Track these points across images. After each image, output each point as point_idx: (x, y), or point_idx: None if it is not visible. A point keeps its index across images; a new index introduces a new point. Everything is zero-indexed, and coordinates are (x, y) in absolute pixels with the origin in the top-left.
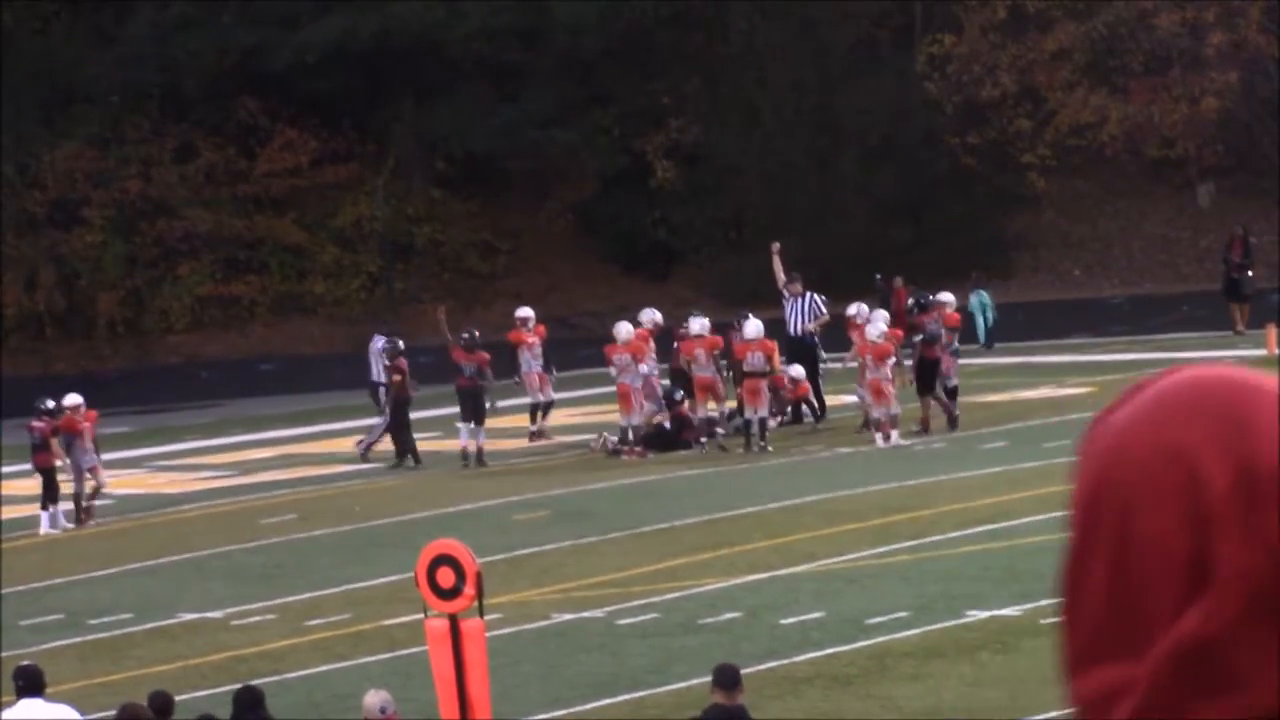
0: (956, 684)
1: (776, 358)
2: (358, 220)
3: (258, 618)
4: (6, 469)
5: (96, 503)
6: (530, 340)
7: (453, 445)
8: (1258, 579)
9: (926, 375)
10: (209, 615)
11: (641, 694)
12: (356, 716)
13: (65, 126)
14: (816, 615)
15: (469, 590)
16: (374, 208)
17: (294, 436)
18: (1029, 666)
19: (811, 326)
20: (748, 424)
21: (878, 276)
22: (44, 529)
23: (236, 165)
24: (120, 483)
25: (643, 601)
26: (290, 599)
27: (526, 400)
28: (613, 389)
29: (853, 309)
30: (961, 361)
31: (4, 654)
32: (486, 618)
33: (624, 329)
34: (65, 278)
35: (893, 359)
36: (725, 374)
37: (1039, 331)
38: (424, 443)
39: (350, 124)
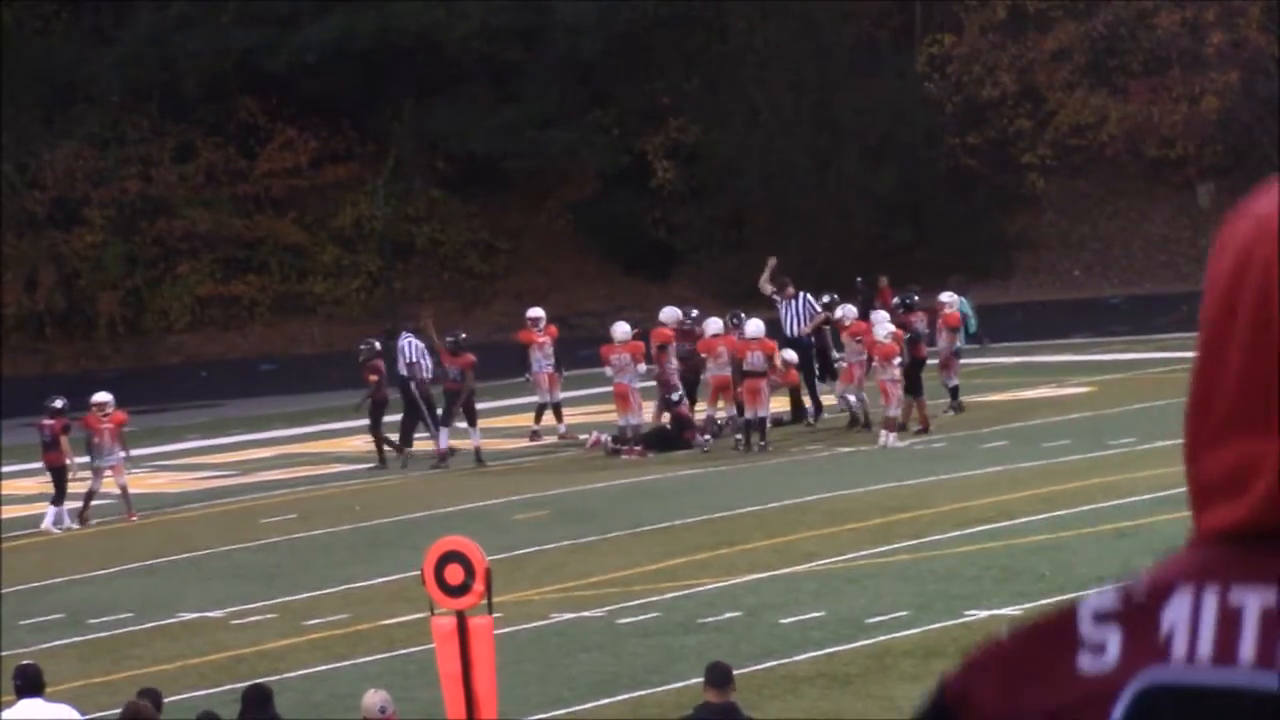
0: None
1: (778, 356)
2: (358, 220)
3: (258, 617)
4: (6, 469)
5: (95, 502)
6: (541, 340)
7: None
8: None
9: (915, 375)
10: (209, 615)
11: (641, 693)
12: (356, 716)
13: (65, 126)
14: (816, 615)
15: (478, 586)
16: (374, 208)
17: (294, 436)
18: None
19: (808, 329)
20: (748, 424)
21: (859, 279)
22: (46, 524)
23: (236, 165)
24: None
25: (643, 601)
26: (290, 599)
27: (532, 399)
28: (611, 389)
29: (839, 312)
30: (962, 361)
31: (4, 654)
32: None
33: (621, 329)
34: (65, 277)
35: (898, 359)
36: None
37: (1039, 331)
38: (423, 442)
39: (350, 124)
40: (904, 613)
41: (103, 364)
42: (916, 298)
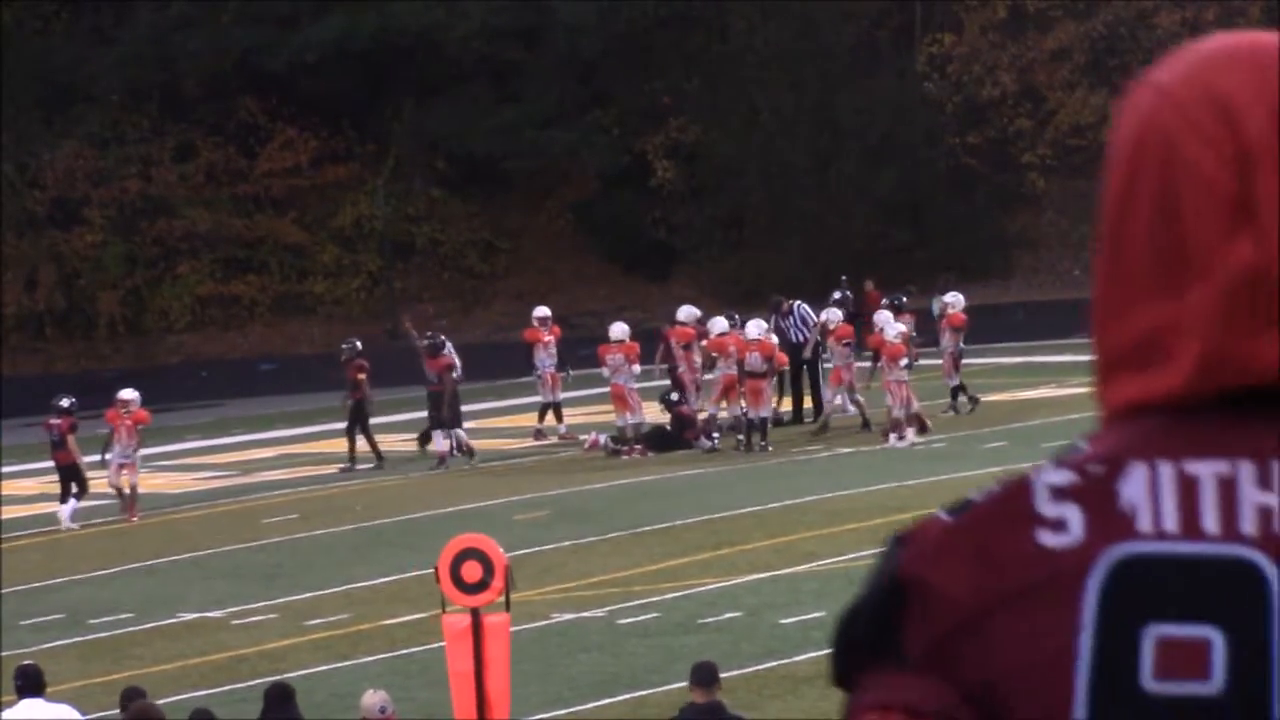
0: None
1: (778, 357)
2: (358, 220)
3: (258, 617)
4: (6, 469)
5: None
6: (547, 339)
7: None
8: None
9: None
10: (209, 615)
11: (641, 693)
12: (356, 716)
13: (65, 126)
14: (817, 615)
15: (497, 584)
16: (374, 207)
17: (294, 436)
18: None
19: (807, 352)
20: (749, 424)
21: (843, 278)
22: (65, 522)
23: (236, 165)
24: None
25: (643, 601)
26: (291, 598)
27: (534, 399)
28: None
29: (824, 315)
30: (963, 361)
31: (4, 654)
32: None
33: (617, 329)
34: (65, 277)
35: (904, 360)
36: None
37: (1039, 331)
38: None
39: (350, 124)
40: None
41: (103, 364)
42: (905, 299)
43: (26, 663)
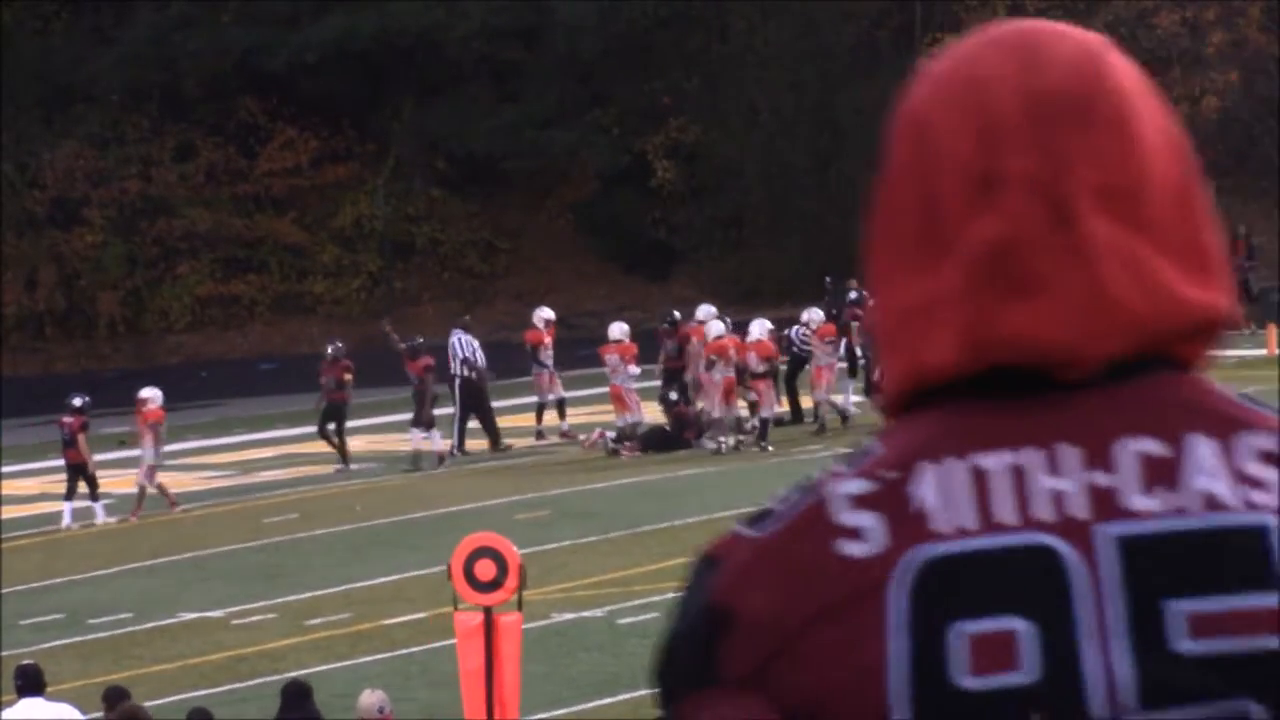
0: None
1: (778, 357)
2: (358, 220)
3: (258, 617)
4: (6, 469)
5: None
6: (547, 341)
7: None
8: (1041, 184)
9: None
10: (209, 614)
11: (641, 693)
12: (355, 717)
13: (65, 126)
14: None
15: (511, 583)
16: (374, 207)
17: (294, 436)
18: None
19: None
20: (764, 422)
21: (827, 279)
22: (99, 519)
23: (236, 165)
24: (122, 482)
25: (643, 601)
26: (290, 598)
27: (532, 399)
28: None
29: (805, 314)
30: None
31: (4, 653)
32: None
33: (617, 329)
34: (65, 277)
35: None
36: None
37: None
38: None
39: (350, 124)
40: None
41: (103, 364)
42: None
43: (26, 662)
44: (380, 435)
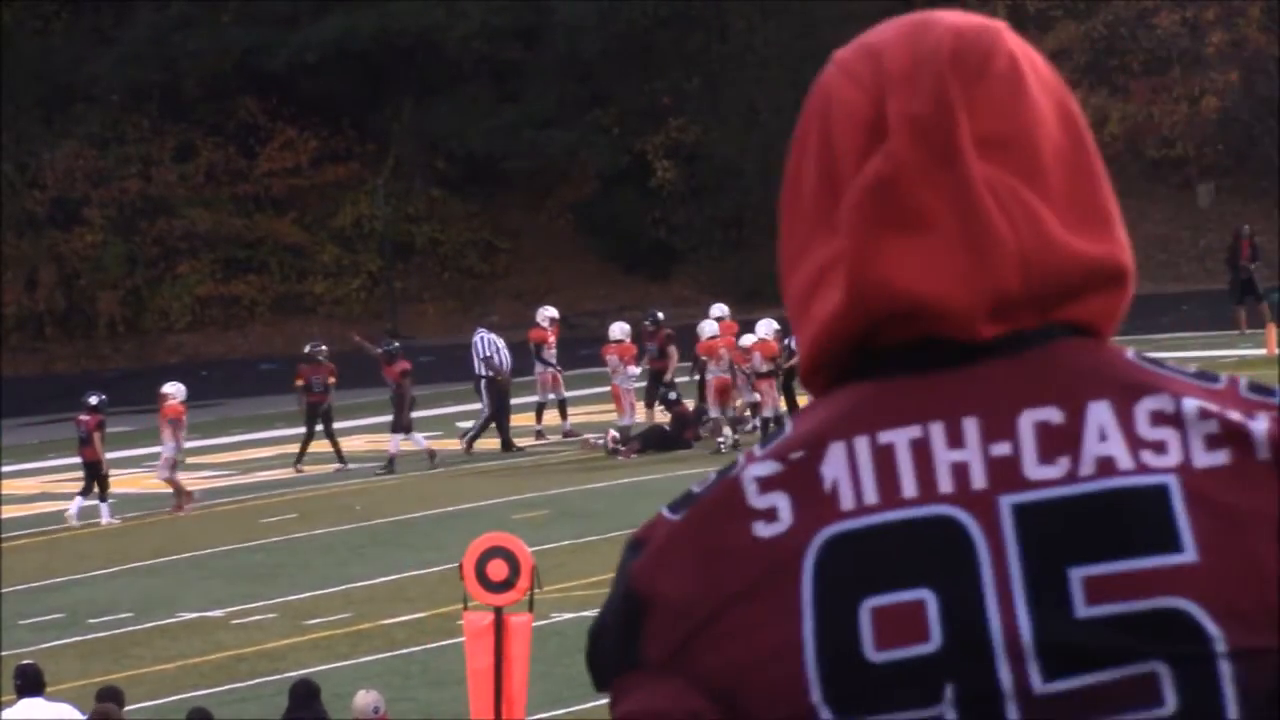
0: None
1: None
2: (358, 220)
3: (258, 617)
4: (6, 469)
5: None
6: (551, 340)
7: (452, 445)
8: (921, 122)
9: None
10: (209, 614)
11: None
12: (350, 717)
13: (65, 126)
14: None
15: (523, 584)
16: (374, 207)
17: (294, 436)
18: None
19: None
20: (766, 421)
21: None
22: (105, 519)
23: (236, 165)
24: (120, 482)
25: None
26: (290, 598)
27: (532, 399)
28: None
29: None
30: None
31: (4, 653)
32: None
33: (618, 329)
34: (65, 277)
35: None
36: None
37: None
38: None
39: (350, 124)
40: None
41: (103, 364)
42: None
43: (26, 662)
44: (380, 435)
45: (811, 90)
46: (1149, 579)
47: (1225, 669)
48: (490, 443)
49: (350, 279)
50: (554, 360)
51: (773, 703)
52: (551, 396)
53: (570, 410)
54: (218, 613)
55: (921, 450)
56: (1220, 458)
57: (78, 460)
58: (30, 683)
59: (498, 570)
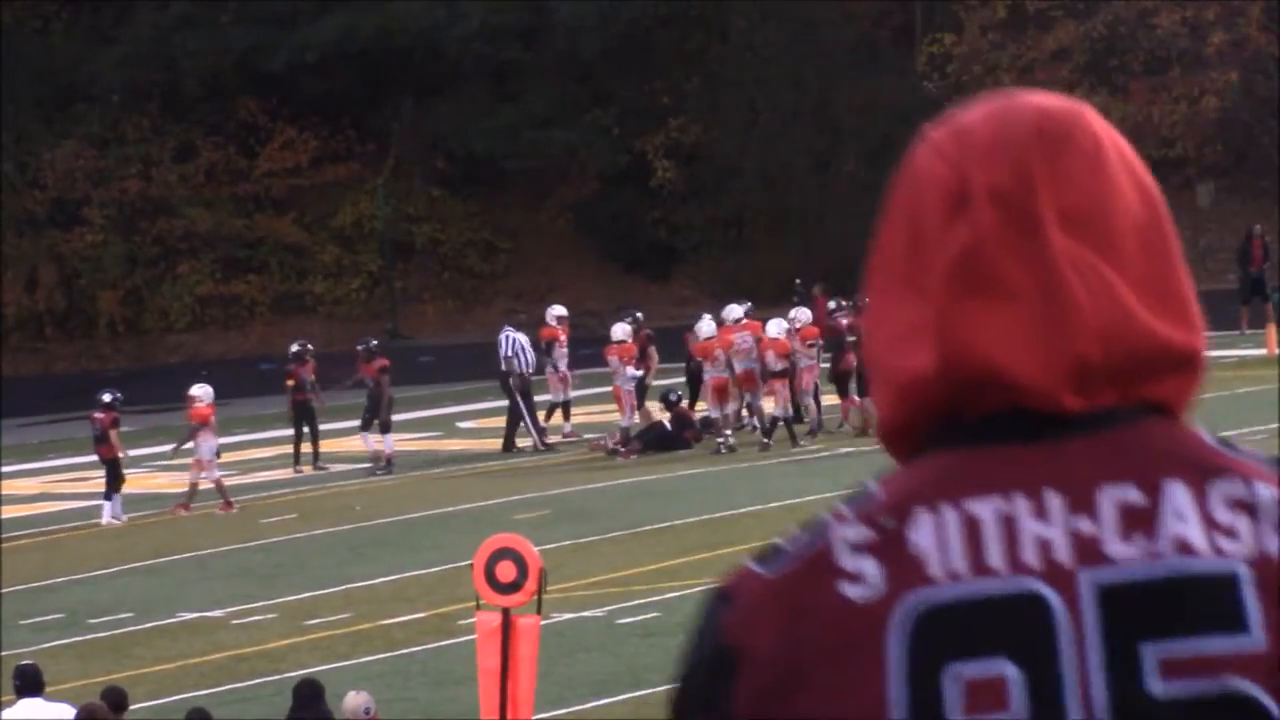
0: None
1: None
2: (358, 220)
3: (258, 617)
4: (6, 469)
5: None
6: (563, 338)
7: (452, 445)
8: (1007, 197)
9: (860, 378)
10: (209, 614)
11: (641, 693)
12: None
13: (65, 126)
14: None
15: (530, 586)
16: (374, 207)
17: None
18: None
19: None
20: (774, 421)
21: (797, 281)
22: (105, 519)
23: (236, 165)
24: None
25: (643, 601)
26: (290, 598)
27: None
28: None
29: (792, 313)
30: None
31: (4, 653)
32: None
33: (619, 330)
34: (65, 277)
35: None
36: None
37: None
38: (423, 442)
39: (350, 123)
40: None
41: (103, 364)
42: (845, 303)
43: (25, 662)
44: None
45: (902, 165)
46: (1219, 661)
47: None
48: (491, 443)
49: (350, 279)
50: (564, 359)
51: None
52: (560, 397)
53: (570, 410)
54: (218, 613)
55: (1007, 522)
56: None
57: (78, 460)
58: (29, 683)
59: (506, 572)
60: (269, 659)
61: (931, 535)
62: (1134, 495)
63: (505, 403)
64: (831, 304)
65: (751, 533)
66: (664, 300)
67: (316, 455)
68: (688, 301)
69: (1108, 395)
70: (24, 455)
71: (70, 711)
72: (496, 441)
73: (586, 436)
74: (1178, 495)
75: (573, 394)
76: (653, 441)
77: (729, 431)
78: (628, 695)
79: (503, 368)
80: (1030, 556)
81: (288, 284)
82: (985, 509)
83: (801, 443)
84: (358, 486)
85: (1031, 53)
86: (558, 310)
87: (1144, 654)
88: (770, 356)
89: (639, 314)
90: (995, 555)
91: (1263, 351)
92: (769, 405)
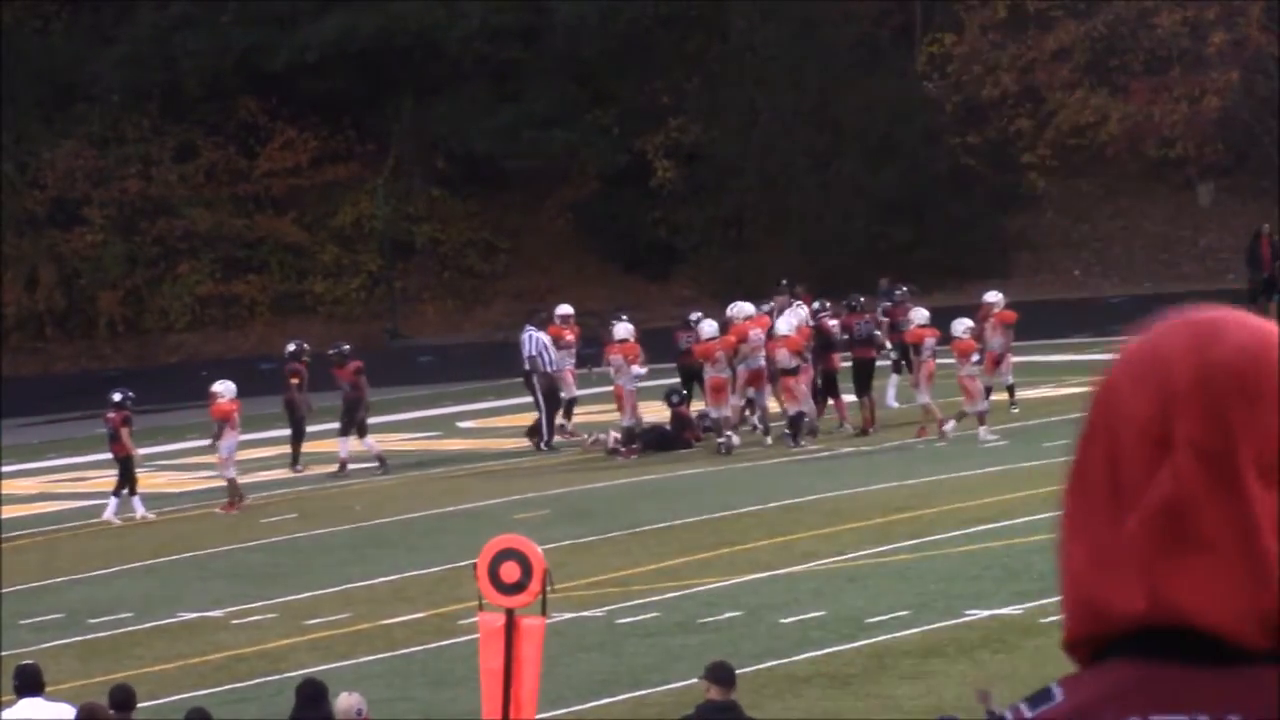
0: (956, 683)
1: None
2: (358, 220)
3: (258, 617)
4: (6, 469)
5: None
6: (569, 337)
7: (451, 445)
8: (1208, 451)
9: (861, 377)
10: (209, 614)
11: (641, 693)
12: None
13: (65, 125)
14: (816, 614)
15: (534, 587)
16: (374, 207)
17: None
18: (1029, 665)
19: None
20: (800, 416)
21: (782, 281)
22: (108, 514)
23: (236, 164)
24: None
25: (642, 601)
26: (290, 598)
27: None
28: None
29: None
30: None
31: (4, 653)
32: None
33: (622, 329)
34: (65, 277)
35: (976, 355)
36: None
37: (1039, 331)
38: (423, 442)
39: (350, 123)
40: (904, 612)
41: (103, 364)
42: (861, 301)
43: (26, 662)
44: (379, 435)
45: (1100, 384)
46: None
47: None
48: (491, 442)
49: (350, 279)
50: (566, 360)
51: None
52: (567, 395)
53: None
54: (218, 613)
55: None
56: None
57: (78, 460)
58: (29, 683)
59: (510, 572)
60: (269, 659)
61: None
62: None
63: (508, 402)
64: (815, 305)
65: (751, 532)
66: (664, 300)
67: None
68: (688, 301)
69: None
70: (24, 455)
71: (70, 711)
72: (497, 441)
73: (584, 436)
74: None
75: (575, 393)
76: (653, 441)
77: (730, 432)
78: (627, 695)
79: (526, 367)
80: None
81: (288, 284)
82: None
83: (802, 443)
84: (358, 487)
85: (1031, 53)
86: (563, 309)
87: None
88: (783, 354)
89: (623, 314)
90: None
91: None
92: (773, 404)
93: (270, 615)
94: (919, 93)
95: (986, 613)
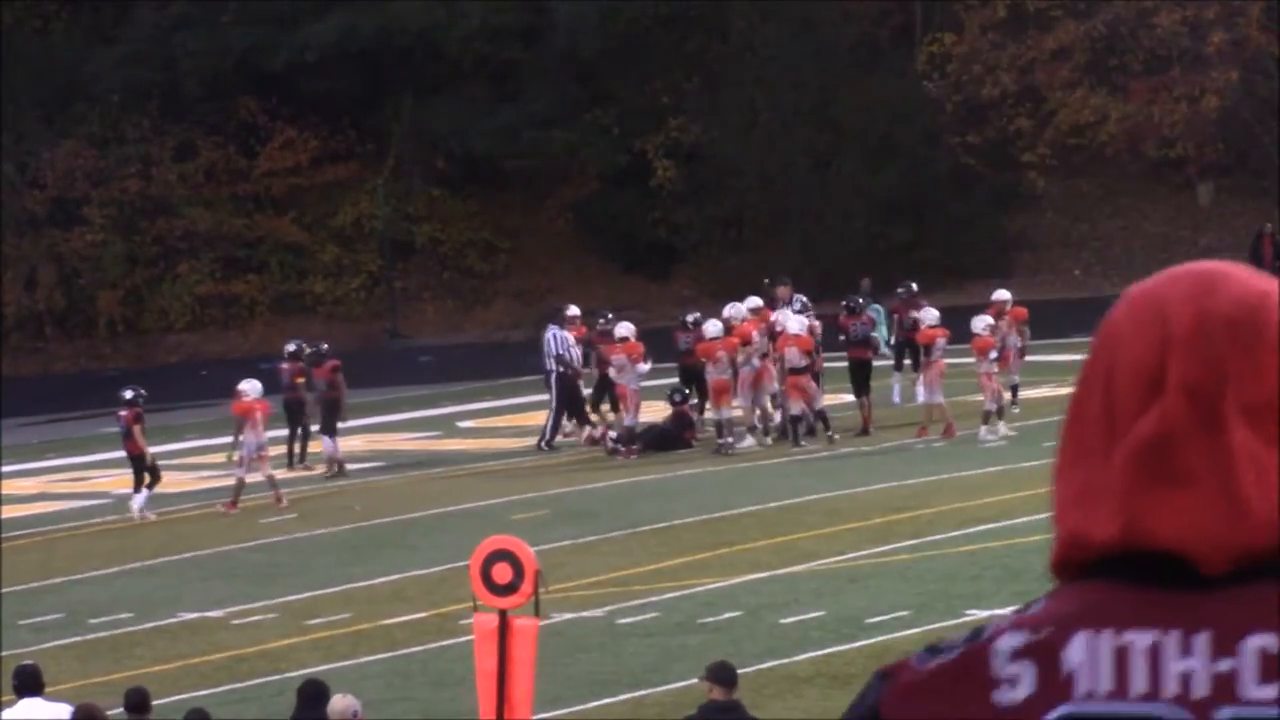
0: None
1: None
2: (358, 219)
3: (258, 617)
4: (6, 469)
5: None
6: (575, 337)
7: (451, 445)
8: (1199, 387)
9: (858, 378)
10: (209, 614)
11: (641, 693)
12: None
13: (65, 125)
14: (816, 614)
15: (526, 588)
16: (374, 207)
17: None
18: None
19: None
20: (794, 419)
21: (766, 280)
22: (135, 510)
23: (236, 164)
24: (119, 482)
25: (642, 601)
26: (290, 598)
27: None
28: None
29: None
30: (954, 361)
31: (4, 653)
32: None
33: (624, 328)
34: (65, 277)
35: (995, 353)
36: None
37: (1039, 331)
38: (421, 442)
39: (350, 123)
40: (904, 613)
41: (103, 364)
42: (860, 300)
43: (25, 663)
44: (379, 435)
45: (1102, 325)
46: None
47: None
48: (491, 442)
49: (350, 279)
50: (578, 358)
51: None
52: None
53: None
54: (218, 613)
55: (1155, 655)
56: None
57: (78, 460)
58: (29, 683)
59: (502, 573)
60: (269, 659)
61: (1084, 655)
62: (1274, 644)
63: (508, 401)
64: (796, 304)
65: (751, 532)
66: (664, 300)
67: (303, 454)
68: (688, 301)
69: (1268, 564)
70: (24, 455)
71: (70, 712)
72: (496, 441)
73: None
74: None
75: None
76: (653, 441)
77: (730, 438)
78: (627, 695)
79: (549, 366)
80: (1171, 687)
81: (288, 284)
82: (1138, 640)
83: (802, 442)
84: (358, 486)
85: (1031, 52)
86: (570, 310)
87: None
88: (792, 353)
89: (609, 314)
90: (1139, 681)
91: None
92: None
93: (270, 615)
94: (919, 93)
95: (986, 613)
